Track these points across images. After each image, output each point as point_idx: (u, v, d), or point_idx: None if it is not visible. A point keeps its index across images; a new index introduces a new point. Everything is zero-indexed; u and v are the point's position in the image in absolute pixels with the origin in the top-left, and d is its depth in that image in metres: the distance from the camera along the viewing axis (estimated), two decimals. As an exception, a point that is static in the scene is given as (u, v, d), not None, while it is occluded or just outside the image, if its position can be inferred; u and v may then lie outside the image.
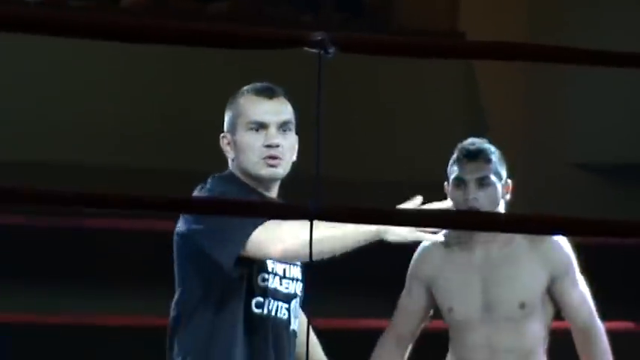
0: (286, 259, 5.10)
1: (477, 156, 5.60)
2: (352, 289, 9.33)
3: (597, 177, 11.18)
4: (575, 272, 5.72)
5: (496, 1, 12.10)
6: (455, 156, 5.68)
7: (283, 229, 4.99)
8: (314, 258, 4.72)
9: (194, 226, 5.06)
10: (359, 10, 11.80)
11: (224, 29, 4.76)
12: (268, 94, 4.95)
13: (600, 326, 5.73)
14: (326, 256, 4.93)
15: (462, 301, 5.82)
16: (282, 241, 4.98)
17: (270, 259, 5.12)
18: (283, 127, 4.89)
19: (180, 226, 5.06)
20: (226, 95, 5.53)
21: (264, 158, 4.94)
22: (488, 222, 4.10)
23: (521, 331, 5.74)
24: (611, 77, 9.97)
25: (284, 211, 4.02)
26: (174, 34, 3.82)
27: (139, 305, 8.50)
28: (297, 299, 5.32)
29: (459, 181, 5.54)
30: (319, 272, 4.70)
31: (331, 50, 3.03)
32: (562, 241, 5.76)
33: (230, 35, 4.39)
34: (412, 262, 5.89)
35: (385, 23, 11.81)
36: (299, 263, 5.34)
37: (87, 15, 8.88)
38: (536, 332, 5.76)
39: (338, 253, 5.00)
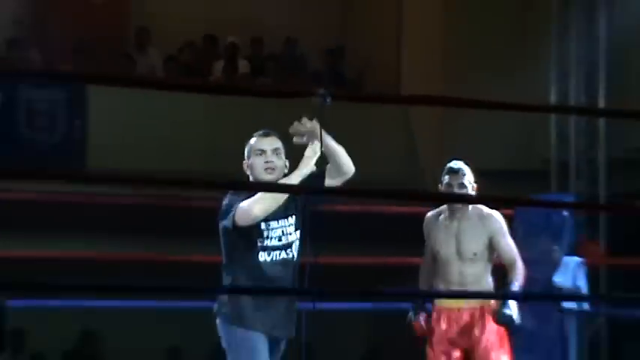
0: (265, 212, 6.59)
1: (457, 171, 7.42)
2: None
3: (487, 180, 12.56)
4: (504, 231, 7.52)
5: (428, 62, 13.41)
6: (445, 170, 7.47)
7: (256, 198, 6.59)
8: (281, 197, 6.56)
9: (220, 215, 6.70)
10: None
11: (271, 87, 7.17)
12: (266, 134, 6.65)
13: (519, 260, 7.46)
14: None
15: (444, 248, 7.57)
16: (258, 203, 6.55)
17: (257, 217, 6.61)
18: (276, 152, 6.61)
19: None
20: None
21: (265, 169, 6.69)
22: (461, 198, 7.07)
23: (476, 265, 7.51)
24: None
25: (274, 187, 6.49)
26: (234, 89, 6.20)
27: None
28: (293, 246, 6.86)
29: (448, 185, 7.42)
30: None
31: (328, 99, 4.04)
32: (496, 215, 7.52)
33: (271, 90, 6.84)
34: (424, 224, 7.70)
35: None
36: (293, 225, 6.90)
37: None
38: (485, 266, 7.53)
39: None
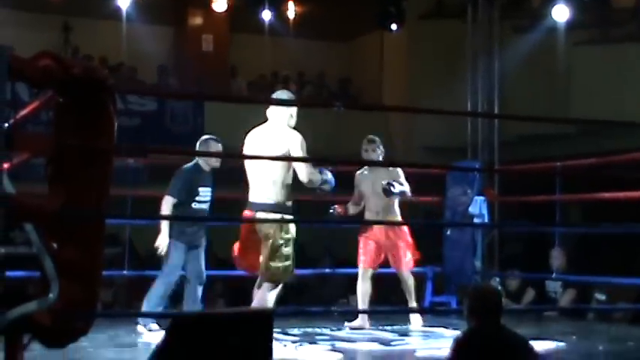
0: None
1: (374, 141, 6.88)
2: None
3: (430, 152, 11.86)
4: (401, 177, 6.91)
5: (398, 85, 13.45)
6: (365, 141, 6.86)
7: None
8: None
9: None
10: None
11: (310, 100, 7.03)
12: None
13: (408, 188, 6.89)
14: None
15: (366, 189, 7.04)
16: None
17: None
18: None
19: None
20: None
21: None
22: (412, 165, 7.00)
23: (385, 200, 6.92)
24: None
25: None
26: (290, 103, 6.32)
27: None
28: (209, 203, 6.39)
29: (365, 151, 6.86)
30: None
31: (342, 108, 4.14)
32: (395, 168, 6.95)
33: (311, 102, 6.95)
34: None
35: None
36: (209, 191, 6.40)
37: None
38: (392, 199, 6.94)
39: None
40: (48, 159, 3.22)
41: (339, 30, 13.63)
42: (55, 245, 3.15)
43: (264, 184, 5.60)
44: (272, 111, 5.72)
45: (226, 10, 12.94)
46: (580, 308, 8.32)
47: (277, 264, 5.57)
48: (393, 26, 12.00)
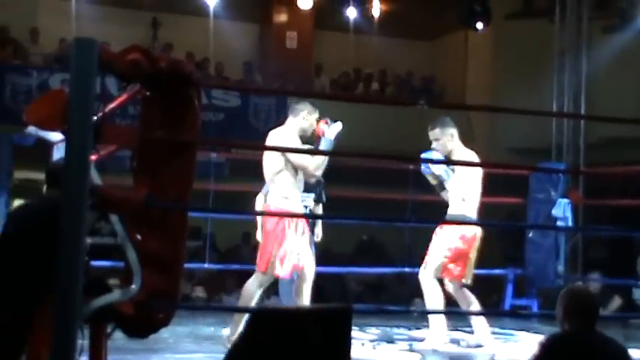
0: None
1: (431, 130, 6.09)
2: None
3: (517, 154, 11.58)
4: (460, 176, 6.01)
5: (482, 83, 13.56)
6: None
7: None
8: None
9: None
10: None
11: (394, 98, 6.72)
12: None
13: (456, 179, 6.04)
14: None
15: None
16: None
17: None
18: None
19: None
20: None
21: None
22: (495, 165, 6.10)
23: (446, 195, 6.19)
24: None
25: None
26: (372, 99, 6.23)
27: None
28: None
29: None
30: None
31: (426, 106, 3.69)
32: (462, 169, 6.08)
33: (394, 100, 6.72)
34: None
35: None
36: None
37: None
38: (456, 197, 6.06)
39: None
40: (133, 151, 3.25)
41: (424, 28, 13.56)
42: (138, 236, 3.18)
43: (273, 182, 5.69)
44: (289, 114, 5.79)
45: (311, 8, 12.95)
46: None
47: None
48: (479, 25, 11.86)
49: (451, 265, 5.96)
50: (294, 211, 5.54)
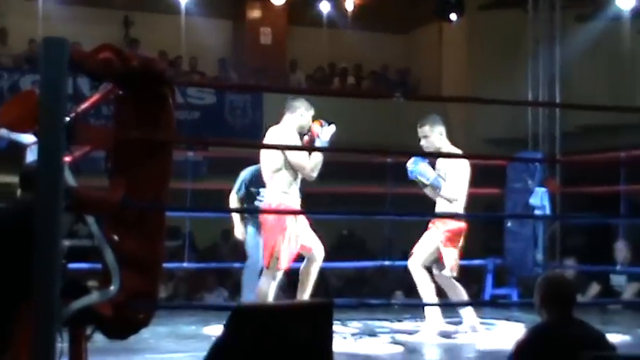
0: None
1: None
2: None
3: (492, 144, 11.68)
4: (447, 172, 6.15)
5: (458, 76, 13.53)
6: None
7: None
8: None
9: None
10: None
11: (370, 92, 6.81)
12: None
13: (445, 186, 6.16)
14: None
15: None
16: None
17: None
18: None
19: None
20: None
21: None
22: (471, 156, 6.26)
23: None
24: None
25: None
26: (348, 93, 6.32)
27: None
28: None
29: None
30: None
31: (402, 99, 3.75)
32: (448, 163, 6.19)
33: (370, 93, 6.79)
34: None
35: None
36: None
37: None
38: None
39: None
40: (108, 152, 3.23)
41: (398, 21, 13.55)
42: (116, 237, 3.16)
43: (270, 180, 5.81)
44: (285, 112, 5.85)
45: (285, 3, 12.93)
46: (645, 302, 8.14)
47: None
48: (453, 16, 11.85)
49: (447, 256, 6.10)
50: (286, 208, 5.60)
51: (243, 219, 6.63)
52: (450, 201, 6.09)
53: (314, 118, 5.80)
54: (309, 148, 5.82)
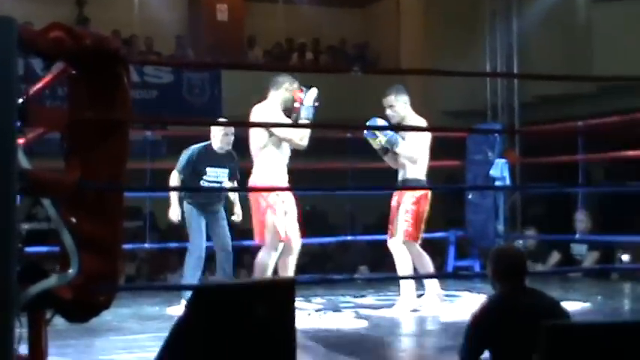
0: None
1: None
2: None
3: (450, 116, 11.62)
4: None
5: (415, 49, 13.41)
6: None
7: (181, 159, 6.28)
8: None
9: None
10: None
11: (328, 66, 6.85)
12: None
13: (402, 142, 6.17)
14: None
15: None
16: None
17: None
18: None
19: None
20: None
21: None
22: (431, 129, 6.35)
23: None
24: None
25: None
26: (306, 69, 6.26)
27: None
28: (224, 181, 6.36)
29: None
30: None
31: (360, 72, 3.81)
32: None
33: (329, 68, 6.84)
34: None
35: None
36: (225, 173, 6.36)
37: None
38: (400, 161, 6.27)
39: None
40: (63, 133, 3.18)
41: (355, -5, 13.55)
42: (73, 219, 3.12)
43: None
44: (270, 88, 5.91)
45: (240, -21, 12.89)
46: (604, 269, 8.32)
47: None
48: (409, -12, 11.91)
49: (410, 228, 6.12)
50: (261, 186, 5.66)
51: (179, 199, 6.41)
52: (410, 161, 6.08)
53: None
54: (266, 124, 5.82)
